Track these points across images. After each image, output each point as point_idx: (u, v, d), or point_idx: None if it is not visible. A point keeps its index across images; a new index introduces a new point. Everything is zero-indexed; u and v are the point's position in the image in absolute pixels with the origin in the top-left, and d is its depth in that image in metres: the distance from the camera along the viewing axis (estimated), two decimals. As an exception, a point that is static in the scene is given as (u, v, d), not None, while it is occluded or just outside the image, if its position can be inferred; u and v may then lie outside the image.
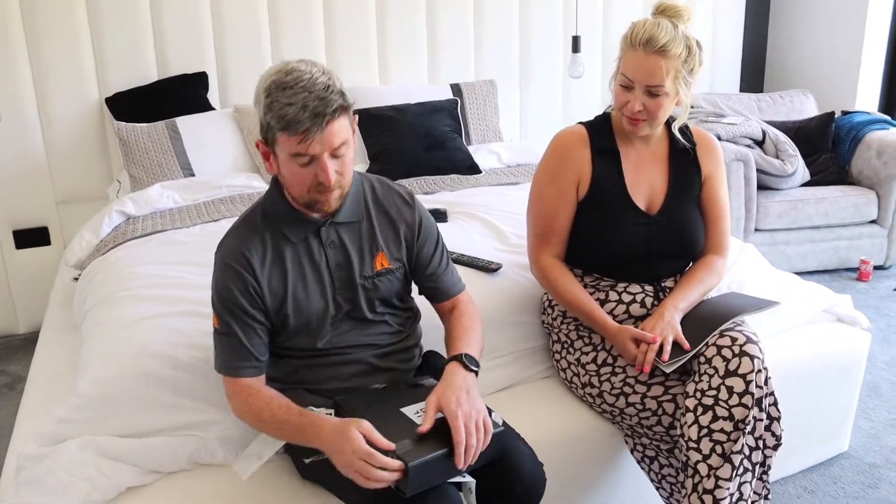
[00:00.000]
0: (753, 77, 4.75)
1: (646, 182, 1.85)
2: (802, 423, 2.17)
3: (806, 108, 4.23)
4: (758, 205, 3.64)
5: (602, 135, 1.85)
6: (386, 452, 1.30)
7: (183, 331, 1.74)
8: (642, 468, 1.85)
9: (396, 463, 1.28)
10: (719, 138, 3.63)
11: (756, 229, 3.68)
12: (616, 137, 1.85)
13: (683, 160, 1.87)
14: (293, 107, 1.32)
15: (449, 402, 1.37)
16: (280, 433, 1.44)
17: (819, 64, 4.47)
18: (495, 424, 1.42)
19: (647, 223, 1.82)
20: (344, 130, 1.39)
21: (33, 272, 3.32)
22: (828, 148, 3.91)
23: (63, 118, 3.21)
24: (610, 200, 1.83)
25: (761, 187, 3.69)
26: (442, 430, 1.36)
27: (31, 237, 3.30)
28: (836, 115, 3.99)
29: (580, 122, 1.90)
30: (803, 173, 3.75)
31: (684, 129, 1.89)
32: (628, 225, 1.82)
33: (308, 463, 1.45)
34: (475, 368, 1.48)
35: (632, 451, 1.85)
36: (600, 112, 1.92)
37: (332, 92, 1.35)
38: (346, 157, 1.42)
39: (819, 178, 3.84)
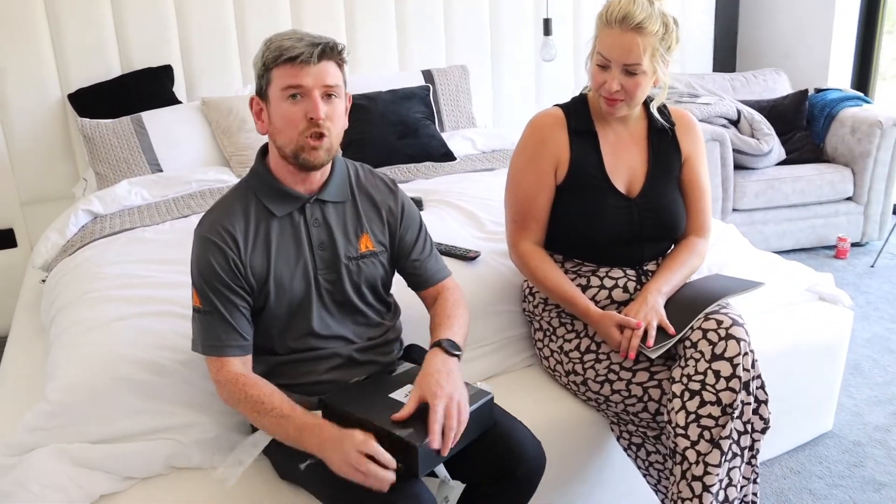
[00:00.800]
0: (726, 56, 4.74)
1: (625, 164, 1.81)
2: (787, 403, 2.16)
3: (779, 86, 4.23)
4: (735, 185, 3.64)
5: (579, 117, 1.81)
6: (389, 433, 1.30)
7: (154, 331, 1.69)
8: (629, 455, 1.82)
9: (391, 460, 1.26)
10: (695, 119, 3.61)
11: (734, 209, 3.68)
12: (593, 119, 1.82)
13: (662, 140, 1.84)
14: (291, 40, 1.39)
15: (428, 386, 1.35)
16: (276, 428, 1.37)
17: (791, 42, 4.46)
18: (483, 392, 1.41)
19: (627, 206, 1.79)
20: (337, 75, 1.42)
21: (0, 275, 3.22)
22: (802, 126, 3.91)
23: (24, 117, 3.11)
24: (589, 184, 1.79)
25: (737, 167, 3.69)
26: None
27: (-3, 239, 3.21)
28: (809, 93, 3.99)
29: (556, 105, 1.86)
30: (779, 152, 3.75)
31: (662, 109, 1.86)
32: (608, 208, 1.78)
33: (304, 468, 1.39)
34: (456, 353, 1.45)
35: (618, 439, 1.83)
36: (575, 94, 1.88)
37: (326, 39, 1.41)
38: (336, 105, 1.43)
39: (794, 156, 3.85)
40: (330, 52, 1.39)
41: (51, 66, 3.11)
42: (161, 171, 2.89)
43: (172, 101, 3.20)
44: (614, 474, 1.93)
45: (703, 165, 1.87)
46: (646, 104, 1.84)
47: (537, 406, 1.85)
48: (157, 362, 1.62)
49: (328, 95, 1.41)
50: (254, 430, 1.61)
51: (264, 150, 1.54)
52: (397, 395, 1.42)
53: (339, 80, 1.42)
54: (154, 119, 2.97)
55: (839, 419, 2.40)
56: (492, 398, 1.43)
